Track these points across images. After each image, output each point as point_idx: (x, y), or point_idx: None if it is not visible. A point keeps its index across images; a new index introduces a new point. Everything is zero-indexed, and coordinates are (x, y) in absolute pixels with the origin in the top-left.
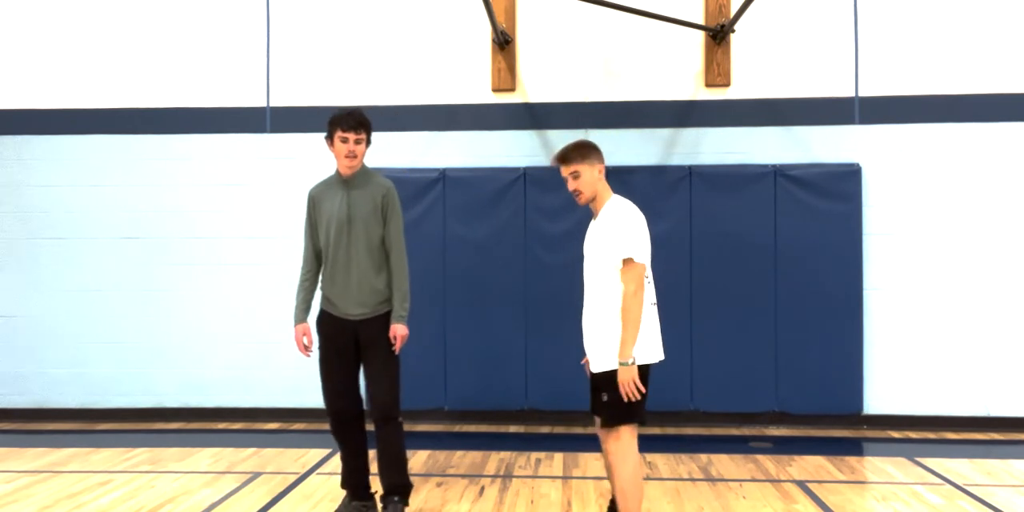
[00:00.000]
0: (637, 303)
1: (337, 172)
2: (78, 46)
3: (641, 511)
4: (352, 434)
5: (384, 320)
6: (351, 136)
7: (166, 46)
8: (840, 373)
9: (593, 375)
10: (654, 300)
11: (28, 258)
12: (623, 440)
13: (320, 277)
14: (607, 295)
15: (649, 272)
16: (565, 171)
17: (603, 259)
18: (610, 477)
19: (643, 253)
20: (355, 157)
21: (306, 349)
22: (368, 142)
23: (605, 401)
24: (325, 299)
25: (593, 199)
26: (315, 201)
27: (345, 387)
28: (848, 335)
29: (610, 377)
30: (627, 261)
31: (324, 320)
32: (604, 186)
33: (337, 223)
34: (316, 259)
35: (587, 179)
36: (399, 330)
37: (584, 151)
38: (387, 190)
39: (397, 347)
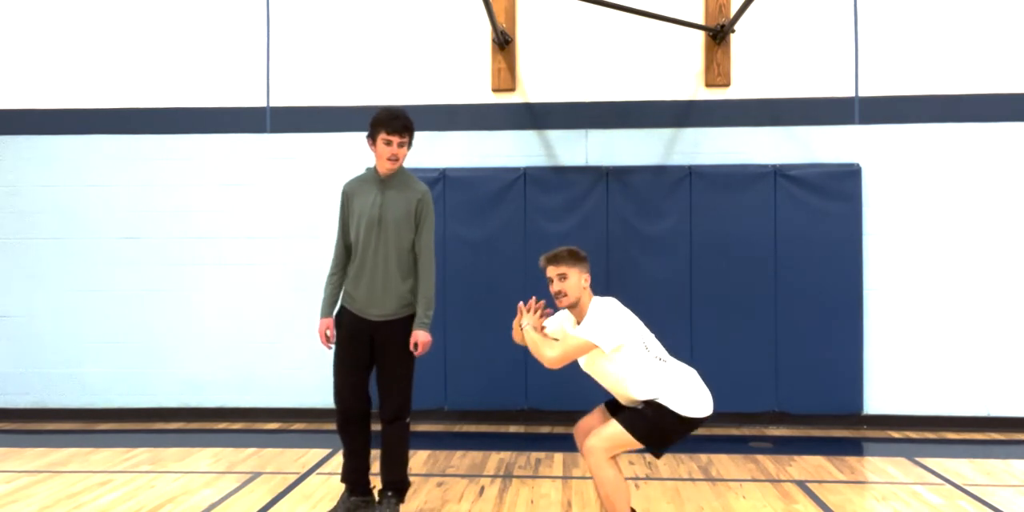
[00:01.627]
0: (540, 355)
1: (374, 169)
2: (78, 46)
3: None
4: (357, 433)
5: (403, 323)
6: (395, 139)
7: (166, 46)
8: (840, 373)
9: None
10: (671, 358)
11: (28, 258)
12: (606, 446)
13: (349, 274)
14: (630, 384)
15: (659, 349)
16: (553, 272)
17: (599, 356)
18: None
19: (610, 340)
20: (397, 160)
21: (328, 341)
22: (410, 145)
23: (640, 409)
24: (347, 296)
25: (575, 305)
26: (348, 196)
27: (356, 386)
28: (848, 335)
29: (660, 410)
30: (584, 340)
31: (343, 318)
32: (588, 294)
33: (368, 222)
34: (347, 254)
35: (573, 283)
36: (421, 337)
37: (576, 256)
38: (423, 195)
39: (419, 352)
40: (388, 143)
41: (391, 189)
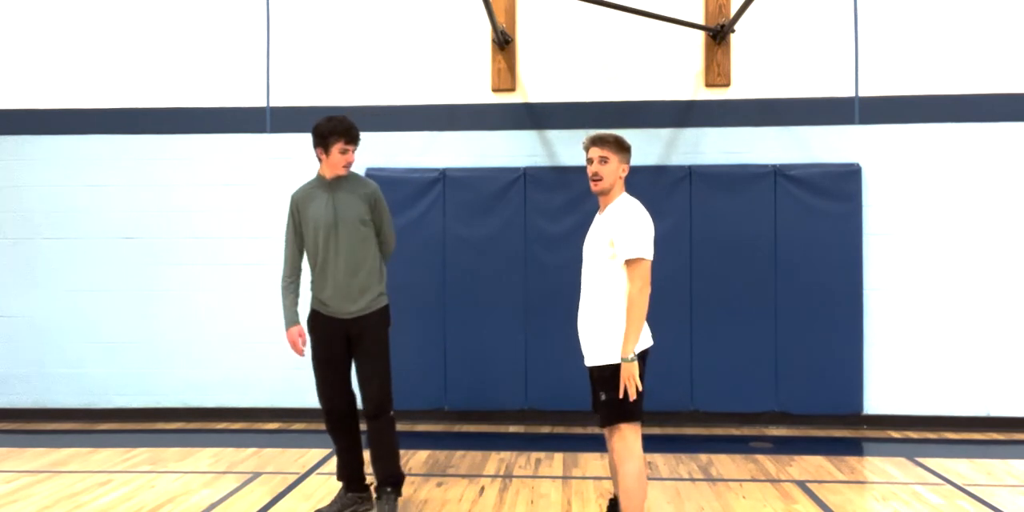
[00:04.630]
0: (643, 300)
1: (320, 175)
2: (78, 46)
3: (644, 511)
4: (346, 430)
5: (375, 317)
6: (351, 147)
7: (166, 46)
8: (840, 373)
9: (591, 374)
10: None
11: (28, 258)
12: (627, 439)
13: (311, 279)
14: (608, 290)
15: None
16: (595, 153)
17: (606, 254)
18: (613, 476)
19: (651, 251)
20: (350, 165)
21: (300, 350)
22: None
23: (603, 400)
24: (316, 300)
25: (607, 192)
26: (299, 205)
27: (338, 385)
28: (848, 335)
29: (606, 374)
30: (636, 259)
31: (315, 321)
32: (621, 184)
33: (325, 226)
34: (299, 261)
35: (612, 168)
36: None
37: (621, 144)
38: (374, 190)
39: None
40: (344, 152)
41: (340, 191)
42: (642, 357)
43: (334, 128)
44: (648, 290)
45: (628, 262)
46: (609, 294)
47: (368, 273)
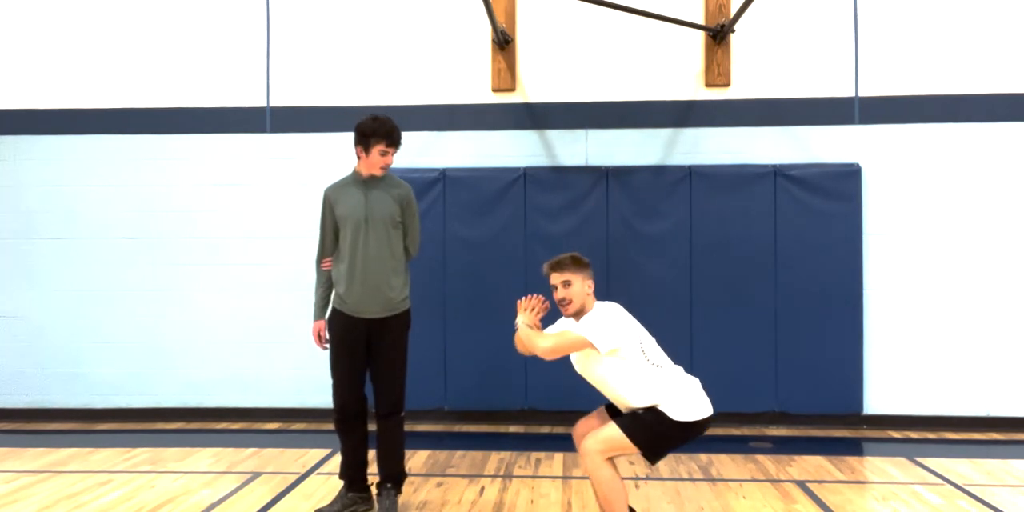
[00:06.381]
0: (531, 345)
1: (356, 172)
2: (78, 46)
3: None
4: (355, 430)
5: (397, 320)
6: (392, 150)
7: (166, 46)
8: (840, 373)
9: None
10: (670, 363)
11: (28, 258)
12: (608, 452)
13: (334, 276)
14: (626, 385)
15: (658, 354)
16: (557, 279)
17: (595, 355)
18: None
19: (606, 340)
20: (388, 167)
21: (322, 343)
22: None
23: (639, 414)
24: (338, 298)
25: (578, 313)
26: (331, 201)
27: (354, 385)
28: (848, 335)
29: (659, 417)
30: (582, 335)
31: (336, 319)
32: (592, 300)
33: (354, 223)
34: (335, 248)
35: (577, 290)
36: None
37: (579, 262)
38: (407, 191)
39: None
40: (384, 153)
41: (375, 189)
42: (691, 427)
43: (377, 129)
44: (549, 356)
45: (574, 333)
46: (627, 392)
47: (394, 274)
